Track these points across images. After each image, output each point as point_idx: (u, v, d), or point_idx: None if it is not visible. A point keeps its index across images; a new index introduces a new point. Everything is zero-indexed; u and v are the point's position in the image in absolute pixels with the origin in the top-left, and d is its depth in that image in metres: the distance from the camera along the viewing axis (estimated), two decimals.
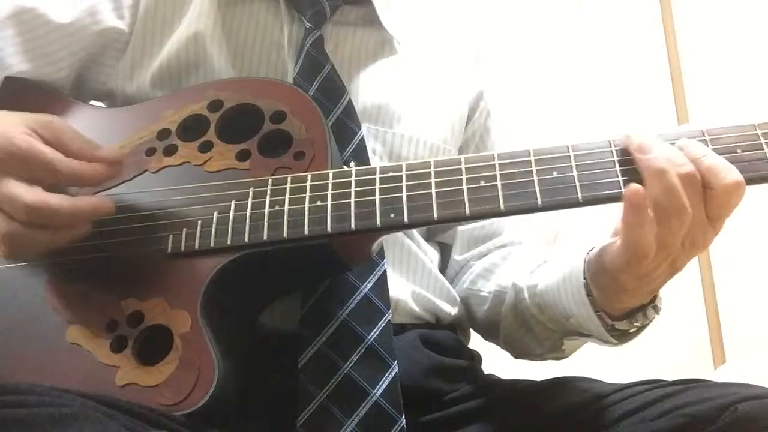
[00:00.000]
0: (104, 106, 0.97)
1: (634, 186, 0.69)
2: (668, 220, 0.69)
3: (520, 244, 1.02)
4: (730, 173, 0.69)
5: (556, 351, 0.94)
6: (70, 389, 0.62)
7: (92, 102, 0.97)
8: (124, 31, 0.94)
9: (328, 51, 0.94)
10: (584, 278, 0.80)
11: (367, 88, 0.95)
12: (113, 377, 0.71)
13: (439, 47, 1.04)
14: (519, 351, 0.99)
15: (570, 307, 0.84)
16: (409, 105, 0.97)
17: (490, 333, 1.00)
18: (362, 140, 0.89)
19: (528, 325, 0.93)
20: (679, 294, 2.07)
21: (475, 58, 1.08)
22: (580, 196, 0.71)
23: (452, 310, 0.97)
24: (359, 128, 0.90)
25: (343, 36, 0.97)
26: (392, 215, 0.74)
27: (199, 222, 0.77)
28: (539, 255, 0.97)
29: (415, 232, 0.96)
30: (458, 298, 0.99)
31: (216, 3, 0.94)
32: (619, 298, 0.78)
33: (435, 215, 0.73)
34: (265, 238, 0.75)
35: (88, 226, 0.75)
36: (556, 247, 1.02)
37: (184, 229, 0.77)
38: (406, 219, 0.74)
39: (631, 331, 0.81)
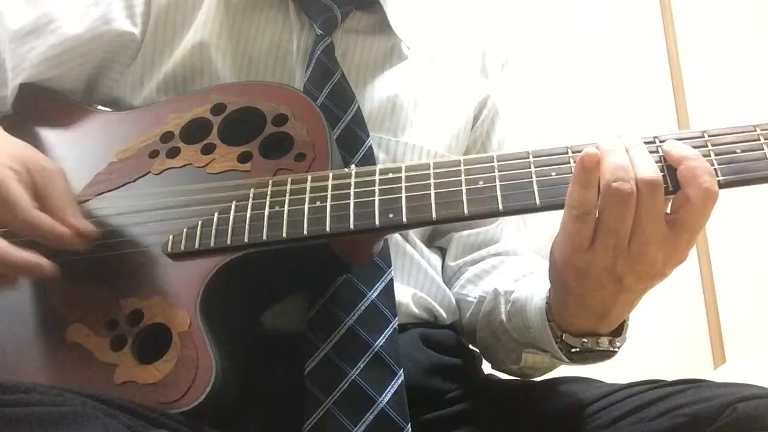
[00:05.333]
0: (110, 110, 0.97)
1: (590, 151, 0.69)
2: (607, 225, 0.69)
3: (515, 254, 1.01)
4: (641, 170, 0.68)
5: (517, 364, 0.93)
6: (71, 388, 0.62)
7: (99, 107, 0.97)
8: (137, 37, 0.94)
9: (337, 58, 0.94)
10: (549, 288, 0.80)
11: (374, 96, 0.95)
12: (112, 375, 0.71)
13: (447, 51, 1.03)
14: (491, 360, 0.99)
15: (531, 316, 0.84)
16: (415, 113, 0.97)
17: (469, 338, 0.99)
18: (370, 148, 0.89)
19: (496, 333, 0.93)
20: (679, 294, 2.09)
21: (500, 65, 1.07)
22: None
23: (450, 318, 0.97)
24: (368, 136, 0.90)
25: (352, 43, 0.97)
26: (391, 215, 0.74)
27: (200, 222, 0.77)
28: (530, 266, 0.96)
29: (416, 239, 0.96)
30: (456, 306, 0.99)
31: (223, 10, 0.94)
32: (567, 305, 0.77)
33: (433, 215, 0.73)
34: (264, 238, 0.75)
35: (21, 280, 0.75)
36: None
37: (185, 229, 0.77)
38: (404, 219, 0.74)
39: (576, 347, 0.79)
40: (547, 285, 0.81)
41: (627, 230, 0.69)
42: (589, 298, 0.74)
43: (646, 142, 0.72)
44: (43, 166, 0.77)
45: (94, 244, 0.77)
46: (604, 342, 0.78)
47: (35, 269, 0.73)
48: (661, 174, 0.69)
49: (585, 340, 0.78)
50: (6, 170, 0.73)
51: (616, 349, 0.79)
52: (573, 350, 0.80)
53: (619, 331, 0.79)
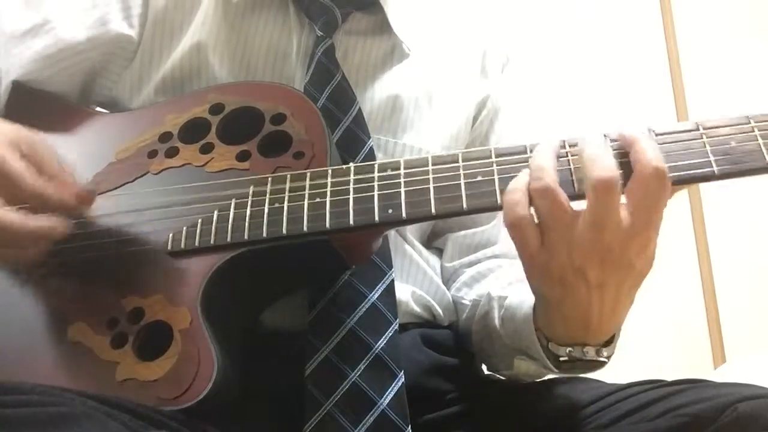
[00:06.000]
0: (108, 112, 0.97)
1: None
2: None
3: (512, 257, 1.00)
4: (596, 169, 0.67)
5: (510, 369, 0.93)
6: (71, 389, 0.62)
7: (97, 108, 0.97)
8: (134, 39, 0.94)
9: (338, 59, 0.93)
10: None
11: (375, 97, 0.95)
12: (113, 373, 0.71)
13: (447, 51, 1.03)
14: (487, 363, 0.99)
15: (520, 323, 0.84)
16: (415, 115, 0.97)
17: (465, 341, 0.99)
18: (371, 150, 0.89)
19: (490, 338, 0.93)
20: (679, 294, 2.09)
21: (501, 66, 1.07)
22: (576, 188, 0.71)
23: (449, 318, 0.97)
24: (369, 138, 0.90)
25: (352, 45, 0.97)
26: (390, 211, 0.74)
27: (200, 220, 0.77)
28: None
29: (415, 239, 0.96)
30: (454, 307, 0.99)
31: (222, 11, 0.94)
32: (548, 314, 0.77)
33: (433, 210, 0.74)
34: (264, 235, 0.75)
35: (41, 247, 0.75)
36: None
37: (185, 227, 0.77)
38: (404, 214, 0.74)
39: (563, 356, 0.78)
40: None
41: (563, 223, 0.68)
42: (565, 305, 0.73)
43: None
44: (30, 139, 0.76)
45: (92, 207, 0.79)
46: (589, 351, 0.77)
47: (51, 231, 0.74)
48: (620, 171, 0.68)
49: (570, 348, 0.77)
50: (2, 148, 0.72)
51: (604, 359, 0.78)
52: (561, 359, 0.79)
53: (608, 343, 0.78)
